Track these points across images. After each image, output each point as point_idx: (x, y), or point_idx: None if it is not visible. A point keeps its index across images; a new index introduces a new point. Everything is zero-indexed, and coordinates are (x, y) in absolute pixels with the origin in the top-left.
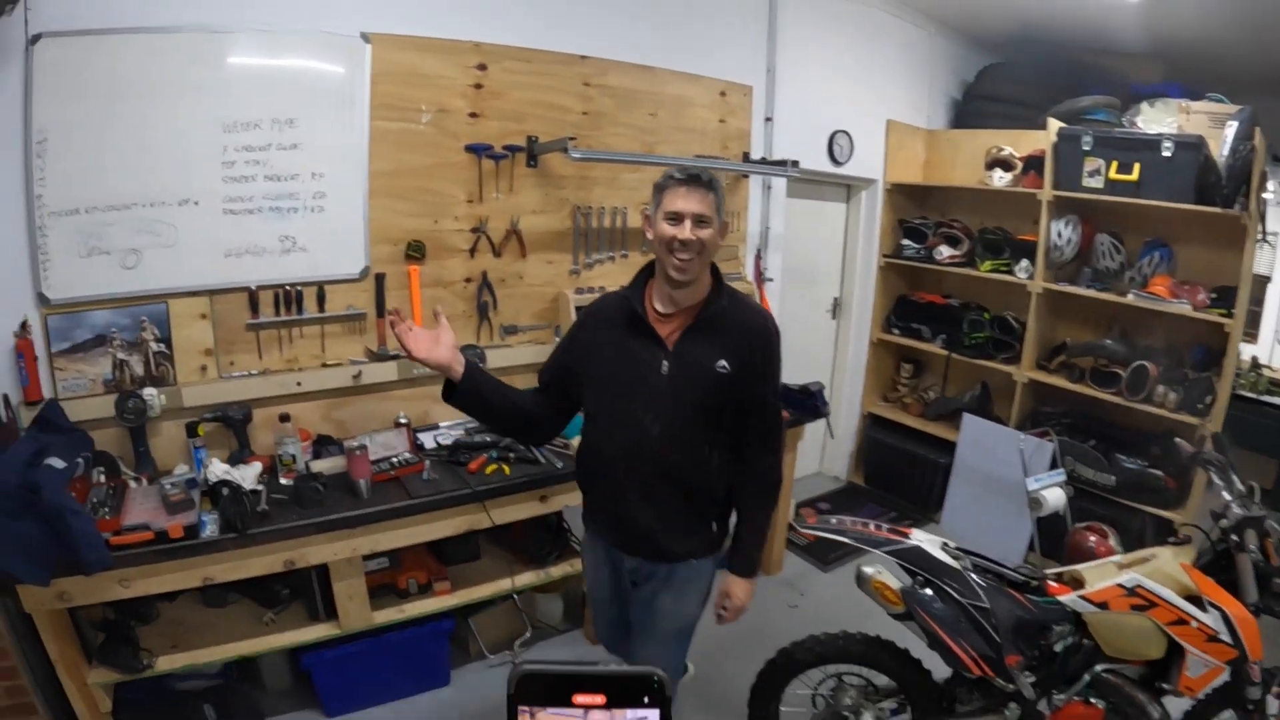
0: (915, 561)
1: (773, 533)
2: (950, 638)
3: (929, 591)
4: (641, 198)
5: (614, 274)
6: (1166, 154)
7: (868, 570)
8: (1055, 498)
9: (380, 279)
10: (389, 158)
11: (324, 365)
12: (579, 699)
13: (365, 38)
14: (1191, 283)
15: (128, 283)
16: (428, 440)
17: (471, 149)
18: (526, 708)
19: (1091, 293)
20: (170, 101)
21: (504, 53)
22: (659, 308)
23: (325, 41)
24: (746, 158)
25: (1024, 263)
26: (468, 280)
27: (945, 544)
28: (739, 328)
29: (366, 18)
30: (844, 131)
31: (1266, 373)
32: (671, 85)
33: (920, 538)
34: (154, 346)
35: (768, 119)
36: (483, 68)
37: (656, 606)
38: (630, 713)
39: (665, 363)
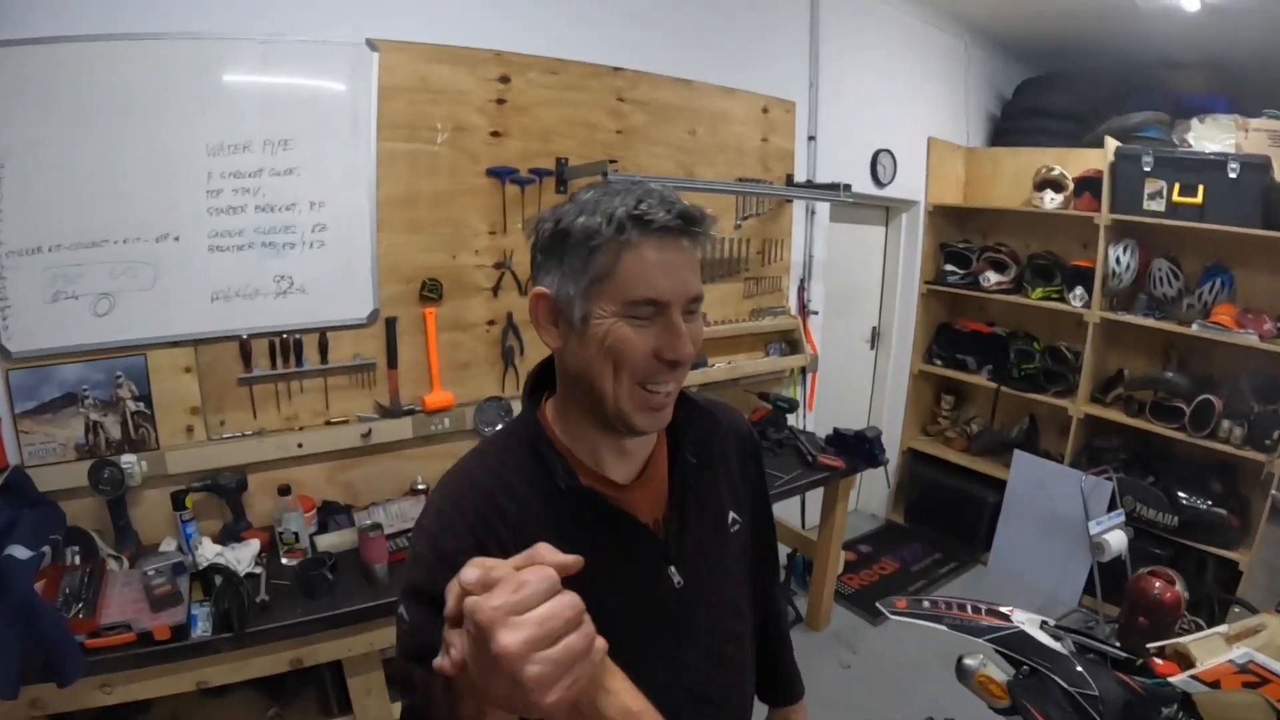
0: (1019, 648)
1: (821, 584)
2: None
3: (1034, 680)
4: None
5: None
6: (1232, 174)
7: (970, 663)
8: (1118, 541)
9: (391, 323)
10: (399, 184)
11: (328, 423)
12: None
13: (372, 45)
14: (1255, 311)
15: (100, 332)
16: None
17: (493, 173)
18: None
19: (1155, 323)
20: (146, 121)
21: (529, 63)
22: (609, 473)
23: (325, 50)
24: (790, 180)
25: (1078, 290)
26: (490, 323)
27: (1045, 622)
28: (725, 447)
29: (373, 23)
30: (887, 150)
31: None
32: (712, 100)
33: (1021, 618)
34: (131, 405)
35: (811, 137)
36: (505, 80)
37: None
38: None
39: (673, 569)
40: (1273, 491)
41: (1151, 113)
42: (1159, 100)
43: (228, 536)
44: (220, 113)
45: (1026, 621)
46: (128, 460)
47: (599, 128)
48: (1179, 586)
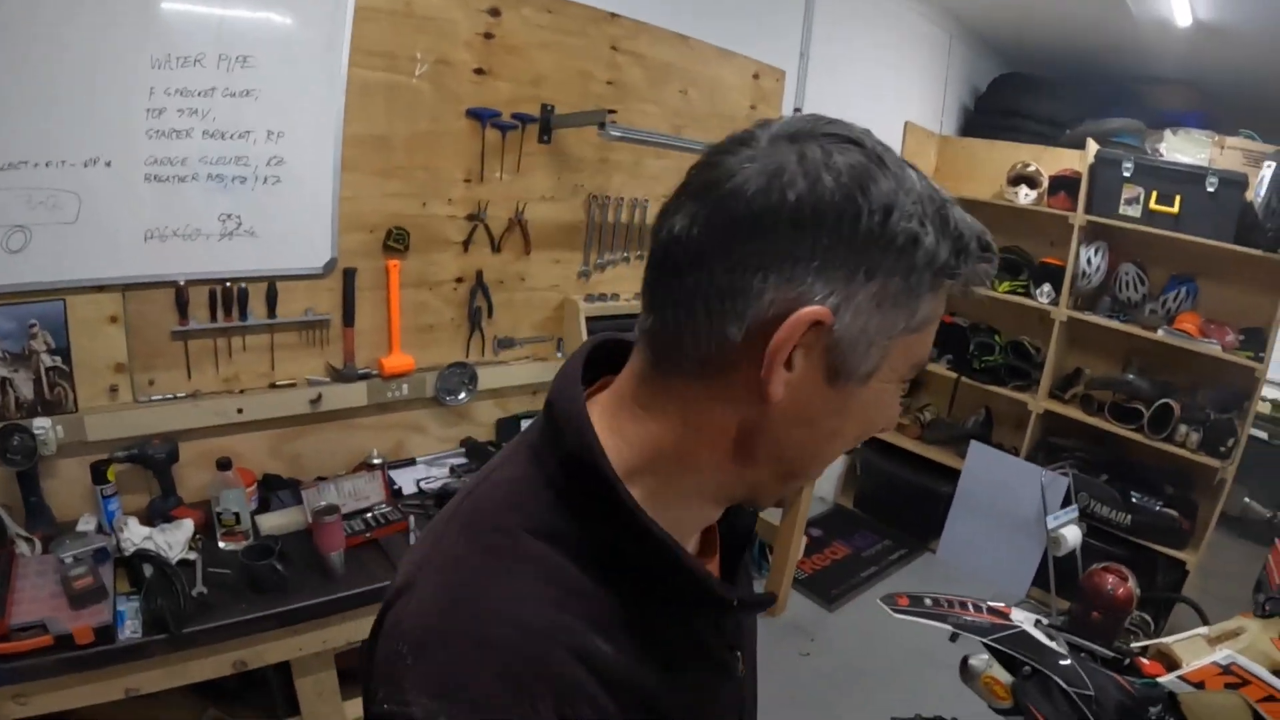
0: (1019, 648)
1: (781, 570)
2: None
3: (1036, 681)
4: (665, 189)
5: (627, 278)
6: (1210, 189)
7: (977, 664)
8: (1074, 536)
9: (350, 275)
10: (370, 118)
11: (273, 386)
12: None
13: None
14: (1218, 321)
15: (12, 272)
16: (405, 483)
17: (474, 114)
18: None
19: (1120, 325)
20: (77, 23)
21: None
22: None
23: None
24: None
25: (1045, 287)
26: (459, 280)
27: (1039, 621)
28: None
29: None
30: (866, 131)
31: None
32: (707, 61)
33: (1019, 617)
34: (47, 360)
35: (797, 109)
36: (495, 13)
37: None
38: None
39: (739, 654)
40: (1245, 500)
41: (1128, 120)
42: (1135, 112)
43: (155, 515)
44: (167, 18)
45: (1024, 621)
46: (41, 425)
47: (591, 78)
48: (1131, 583)
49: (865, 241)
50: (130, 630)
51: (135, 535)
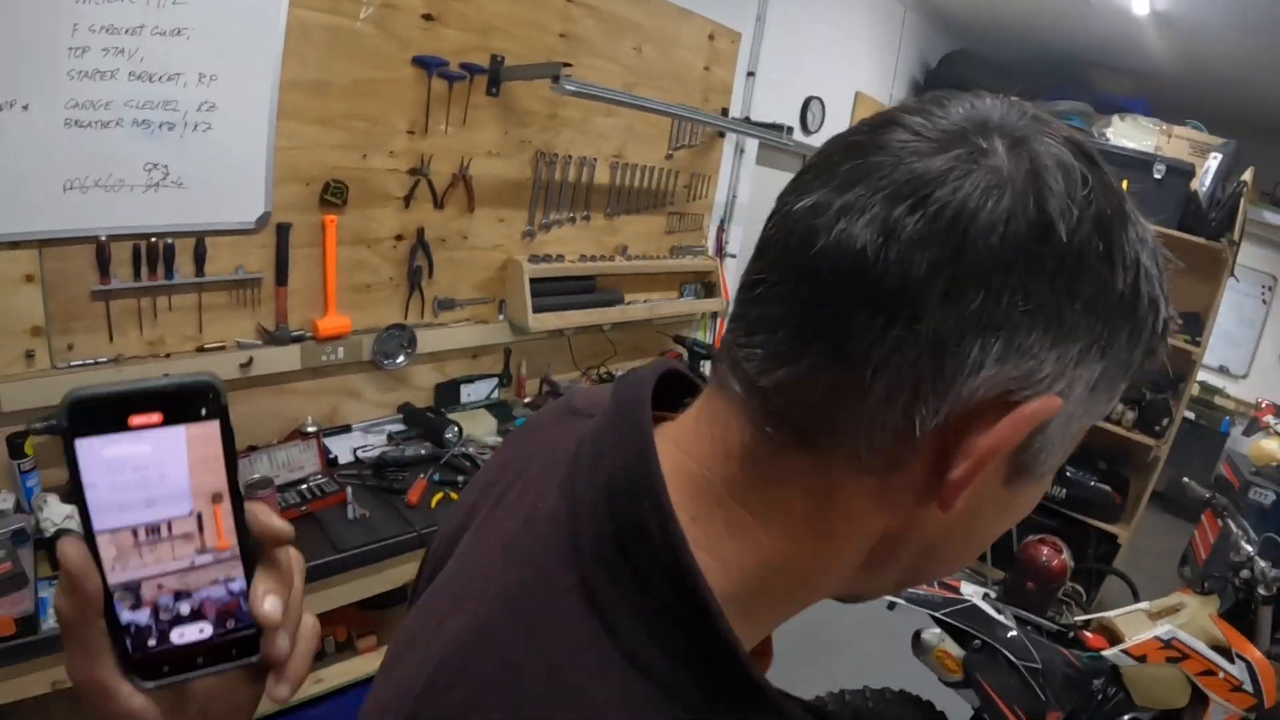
0: (970, 622)
1: None
2: (1010, 709)
3: (985, 654)
4: (614, 148)
5: (572, 239)
6: (1157, 176)
7: (929, 638)
8: None
9: (284, 231)
10: (310, 63)
11: (200, 349)
12: (135, 420)
13: None
14: None
15: None
16: (341, 451)
17: (420, 62)
18: (85, 440)
19: None
20: None
21: None
22: (749, 644)
23: None
24: (724, 113)
25: None
26: (399, 238)
27: (986, 594)
28: None
29: None
30: (817, 98)
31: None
32: (663, 18)
33: (969, 591)
34: None
35: (750, 74)
36: None
37: None
38: (191, 427)
39: None
40: (1185, 480)
41: (1076, 102)
42: (1083, 95)
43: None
44: None
45: (974, 594)
46: None
47: (544, 29)
48: (1065, 555)
49: (1115, 307)
50: (54, 619)
51: (56, 514)
